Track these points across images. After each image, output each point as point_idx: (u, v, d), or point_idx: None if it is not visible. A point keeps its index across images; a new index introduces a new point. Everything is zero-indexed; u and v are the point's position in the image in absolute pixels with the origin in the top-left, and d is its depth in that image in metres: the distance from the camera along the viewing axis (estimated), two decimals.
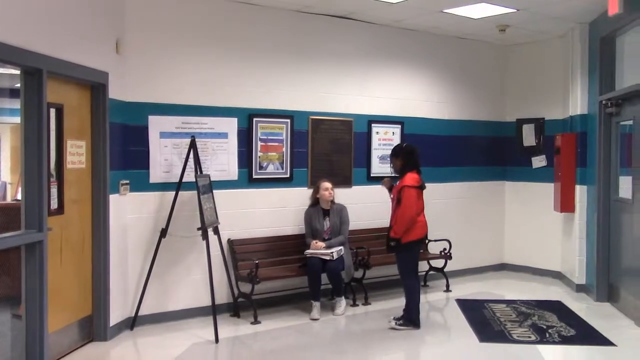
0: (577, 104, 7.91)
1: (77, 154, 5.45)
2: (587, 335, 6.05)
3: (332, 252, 6.62)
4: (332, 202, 7.00)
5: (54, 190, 5.10)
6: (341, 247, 6.81)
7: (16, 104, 4.90)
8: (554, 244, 8.59)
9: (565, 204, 7.98)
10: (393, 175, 6.50)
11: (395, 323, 6.16)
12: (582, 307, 7.14)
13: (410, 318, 6.17)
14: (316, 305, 6.65)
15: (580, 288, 7.80)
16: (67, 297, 5.35)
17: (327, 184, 6.96)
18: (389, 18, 7.61)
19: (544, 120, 8.85)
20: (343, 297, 6.85)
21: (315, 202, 7.01)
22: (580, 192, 7.85)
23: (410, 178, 6.05)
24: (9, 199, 9.29)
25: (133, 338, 5.93)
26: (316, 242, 6.76)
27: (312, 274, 6.65)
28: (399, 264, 6.27)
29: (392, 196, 6.23)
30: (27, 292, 4.71)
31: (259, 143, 6.97)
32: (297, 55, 7.24)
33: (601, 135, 7.31)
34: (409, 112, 8.25)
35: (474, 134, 8.98)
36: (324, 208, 6.97)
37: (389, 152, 7.88)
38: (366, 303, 7.17)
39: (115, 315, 5.90)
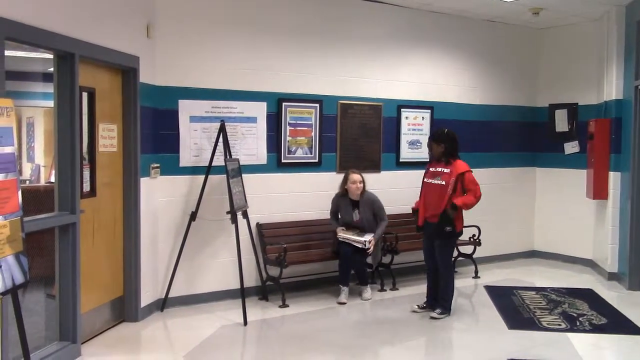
0: (612, 89, 7.74)
1: (108, 138, 5.52)
2: (618, 324, 5.97)
3: (365, 240, 6.57)
4: (362, 192, 6.77)
5: (86, 173, 5.17)
6: (373, 235, 6.68)
7: (49, 88, 4.97)
8: (586, 231, 8.47)
9: (598, 191, 7.84)
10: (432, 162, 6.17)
11: (438, 314, 6.06)
12: (614, 295, 7.04)
13: (449, 306, 6.17)
14: (344, 290, 6.64)
15: (612, 276, 7.68)
16: (99, 278, 5.44)
17: (356, 177, 6.71)
18: (418, 1, 7.52)
19: (577, 106, 8.69)
20: (368, 285, 6.85)
21: (344, 191, 6.79)
22: (614, 179, 7.70)
23: (463, 164, 5.94)
24: (42, 182, 9.45)
25: (163, 319, 6.02)
26: (344, 229, 6.72)
27: (343, 259, 6.63)
28: (446, 250, 6.12)
29: (442, 182, 5.91)
30: (61, 273, 4.81)
31: (288, 127, 6.97)
32: (326, 39, 7.20)
33: (636, 121, 7.16)
34: (439, 97, 8.17)
35: (505, 119, 8.86)
36: (352, 199, 6.81)
37: (418, 137, 7.89)
38: (394, 288, 7.16)
39: (146, 297, 5.99)
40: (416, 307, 6.28)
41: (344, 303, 6.54)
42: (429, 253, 6.19)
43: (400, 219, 7.61)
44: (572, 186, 8.62)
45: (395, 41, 7.75)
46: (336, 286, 6.76)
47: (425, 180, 6.13)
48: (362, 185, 6.70)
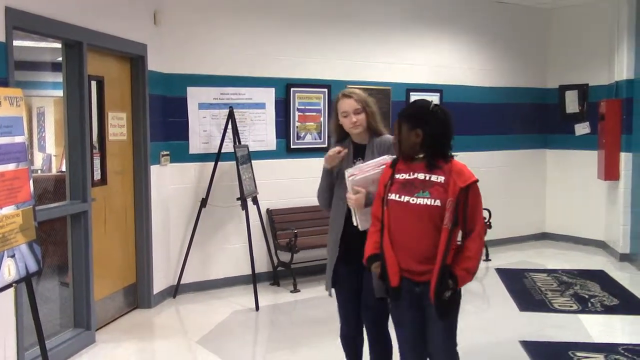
0: (623, 69, 7.67)
1: (118, 126, 5.54)
2: (630, 304, 5.96)
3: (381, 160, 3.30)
4: (375, 133, 3.47)
5: (97, 162, 5.20)
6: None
7: (58, 77, 4.99)
8: (597, 213, 8.42)
9: (610, 172, 7.80)
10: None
11: None
12: (626, 276, 7.02)
13: None
14: None
15: (624, 257, 7.65)
16: (112, 265, 5.49)
17: (347, 103, 3.42)
18: None
19: (588, 86, 8.61)
20: None
21: (342, 134, 3.55)
22: (625, 160, 7.65)
23: (466, 168, 2.96)
24: (54, 171, 9.51)
25: (176, 305, 6.08)
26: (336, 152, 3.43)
27: (345, 334, 3.62)
28: (453, 330, 3.05)
29: (433, 201, 2.88)
30: (74, 261, 4.86)
31: (297, 113, 6.96)
32: (333, 23, 7.17)
33: None
34: (448, 80, 8.12)
35: (515, 101, 8.80)
36: (356, 142, 3.51)
37: None
38: None
39: (159, 284, 6.04)
40: None
41: None
42: (418, 338, 3.04)
43: None
44: (583, 167, 8.56)
45: (403, 24, 7.69)
46: None
47: (392, 197, 2.99)
48: (361, 116, 3.42)
